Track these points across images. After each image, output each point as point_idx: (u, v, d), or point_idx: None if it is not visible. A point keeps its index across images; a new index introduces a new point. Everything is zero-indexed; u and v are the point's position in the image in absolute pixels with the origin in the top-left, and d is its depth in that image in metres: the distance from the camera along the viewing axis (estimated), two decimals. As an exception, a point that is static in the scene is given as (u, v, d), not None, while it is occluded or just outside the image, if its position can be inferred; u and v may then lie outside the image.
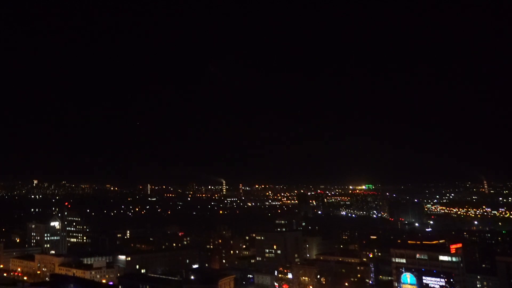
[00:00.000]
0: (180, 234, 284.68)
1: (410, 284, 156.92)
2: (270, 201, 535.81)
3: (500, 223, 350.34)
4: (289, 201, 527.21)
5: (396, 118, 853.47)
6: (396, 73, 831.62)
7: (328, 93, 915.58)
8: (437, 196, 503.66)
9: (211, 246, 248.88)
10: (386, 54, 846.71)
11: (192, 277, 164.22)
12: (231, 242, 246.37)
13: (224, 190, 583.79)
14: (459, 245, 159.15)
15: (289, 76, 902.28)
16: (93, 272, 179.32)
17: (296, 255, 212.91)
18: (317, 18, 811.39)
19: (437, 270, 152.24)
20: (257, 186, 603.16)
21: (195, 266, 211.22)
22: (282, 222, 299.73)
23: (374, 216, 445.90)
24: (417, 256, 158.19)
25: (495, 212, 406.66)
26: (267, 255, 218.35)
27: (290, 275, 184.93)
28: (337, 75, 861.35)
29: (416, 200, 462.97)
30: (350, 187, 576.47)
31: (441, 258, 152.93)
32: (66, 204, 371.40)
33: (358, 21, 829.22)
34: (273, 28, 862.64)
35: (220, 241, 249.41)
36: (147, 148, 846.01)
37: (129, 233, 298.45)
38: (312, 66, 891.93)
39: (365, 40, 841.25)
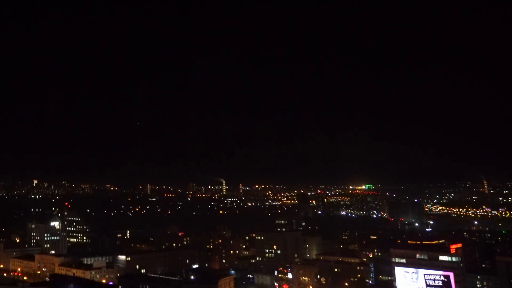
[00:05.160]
0: (180, 234, 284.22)
1: (410, 284, 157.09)
2: (270, 201, 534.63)
3: (500, 223, 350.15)
4: (289, 201, 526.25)
5: (397, 118, 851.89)
6: (396, 72, 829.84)
7: (328, 92, 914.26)
8: (437, 196, 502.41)
9: (211, 246, 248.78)
10: (386, 52, 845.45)
11: (192, 277, 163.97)
12: (231, 242, 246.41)
13: (224, 190, 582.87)
14: (459, 245, 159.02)
15: (289, 75, 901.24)
16: (93, 272, 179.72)
17: (296, 255, 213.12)
18: (316, 14, 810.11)
19: (437, 270, 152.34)
20: (257, 186, 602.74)
21: (195, 266, 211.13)
22: (282, 222, 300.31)
23: (374, 216, 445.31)
24: (417, 256, 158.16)
25: (495, 212, 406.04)
26: (267, 255, 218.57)
27: (290, 275, 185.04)
28: (337, 74, 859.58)
29: (416, 200, 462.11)
30: (350, 187, 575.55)
31: (441, 258, 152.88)
32: (66, 204, 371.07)
33: (357, 17, 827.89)
34: (272, 24, 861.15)
35: (220, 241, 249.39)
36: (146, 148, 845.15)
37: (129, 233, 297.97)
38: (312, 64, 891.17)
39: (365, 38, 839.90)
